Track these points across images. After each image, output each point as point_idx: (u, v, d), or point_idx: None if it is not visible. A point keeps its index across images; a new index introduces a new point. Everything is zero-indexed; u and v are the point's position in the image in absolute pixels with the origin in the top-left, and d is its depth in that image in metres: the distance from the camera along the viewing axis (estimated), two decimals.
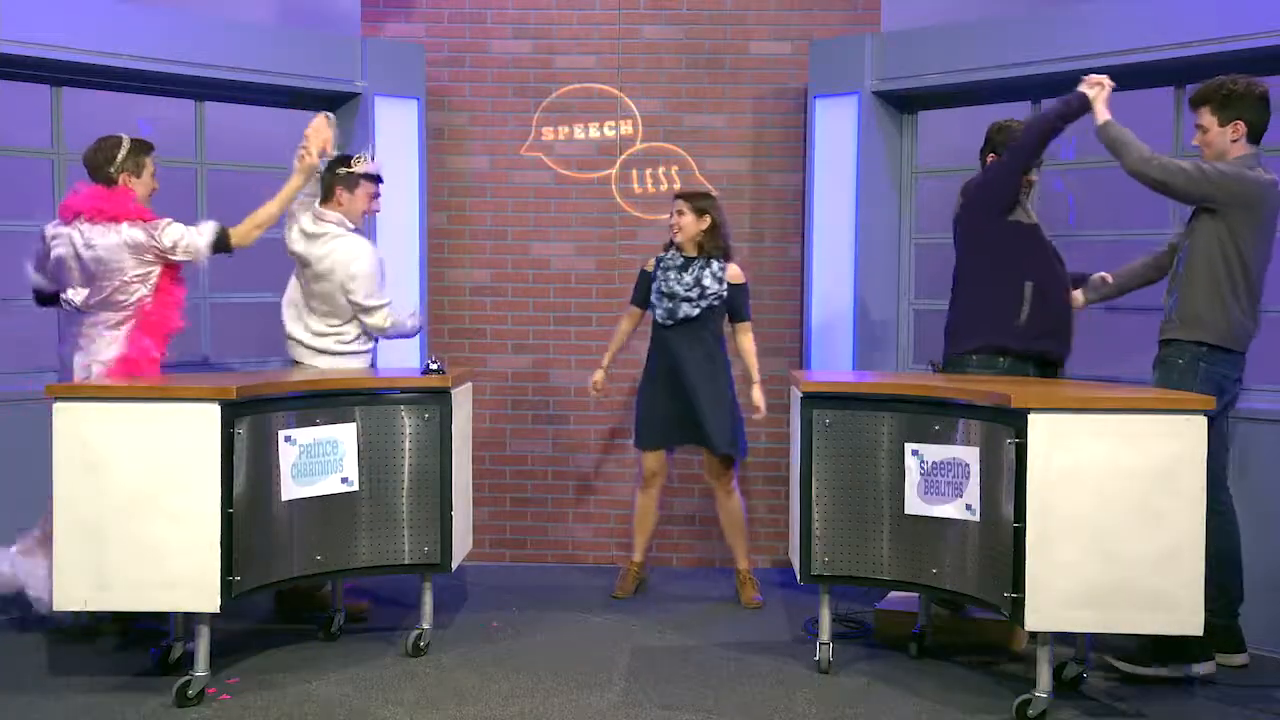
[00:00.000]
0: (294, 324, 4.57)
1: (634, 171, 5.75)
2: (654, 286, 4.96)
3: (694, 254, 4.94)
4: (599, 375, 5.18)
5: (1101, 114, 4.07)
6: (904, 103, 5.42)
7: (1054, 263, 4.29)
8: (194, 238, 4.23)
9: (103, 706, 3.73)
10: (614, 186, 5.75)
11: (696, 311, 4.87)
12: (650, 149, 5.75)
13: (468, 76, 5.76)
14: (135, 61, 4.82)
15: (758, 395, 4.98)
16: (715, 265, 4.92)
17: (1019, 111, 5.15)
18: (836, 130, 5.40)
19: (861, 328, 5.37)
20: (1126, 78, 4.72)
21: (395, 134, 5.45)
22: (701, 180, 5.71)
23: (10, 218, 4.88)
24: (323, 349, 4.54)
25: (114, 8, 4.81)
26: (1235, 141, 3.98)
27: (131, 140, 4.31)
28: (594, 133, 5.75)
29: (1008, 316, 4.23)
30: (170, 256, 4.22)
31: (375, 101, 5.42)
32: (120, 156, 4.27)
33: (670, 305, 4.90)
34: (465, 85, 5.77)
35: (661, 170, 5.75)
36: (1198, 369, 3.95)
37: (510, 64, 5.76)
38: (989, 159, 4.41)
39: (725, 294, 4.91)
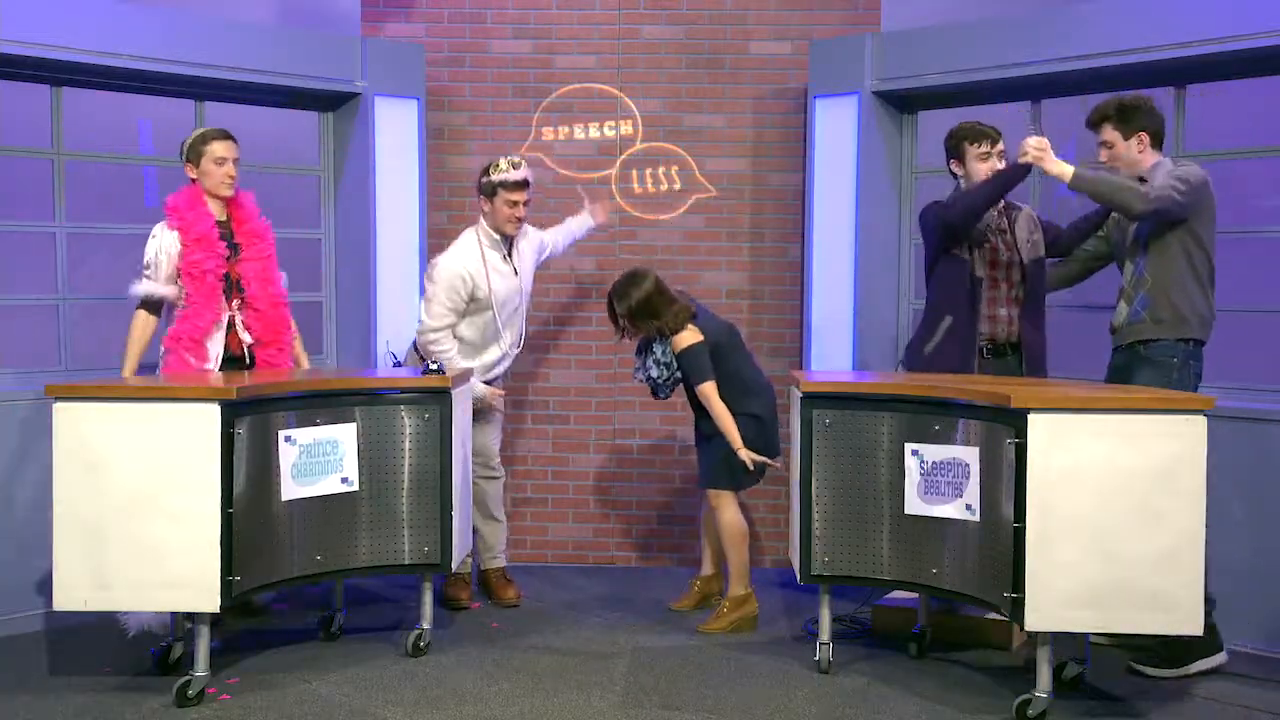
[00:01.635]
0: None
1: (634, 171, 5.75)
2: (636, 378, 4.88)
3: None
4: None
5: (1062, 169, 4.05)
6: (904, 103, 5.42)
7: (975, 303, 4.34)
8: (137, 284, 4.37)
9: (103, 706, 3.73)
10: (614, 186, 5.75)
11: (669, 392, 4.79)
12: (650, 149, 5.75)
13: (468, 76, 5.76)
14: (135, 61, 4.82)
15: (745, 457, 4.53)
16: (658, 350, 4.69)
17: (1019, 111, 5.16)
18: (836, 130, 5.40)
19: (861, 328, 5.37)
20: (1126, 78, 4.74)
21: (395, 134, 5.44)
22: (701, 180, 5.71)
23: (10, 218, 4.87)
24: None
25: (114, 8, 4.81)
26: (1142, 152, 4.10)
27: (205, 130, 4.43)
28: (594, 133, 5.75)
29: (920, 342, 4.47)
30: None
31: (375, 101, 5.41)
32: (185, 144, 4.43)
33: (651, 388, 4.83)
34: (465, 85, 5.77)
35: (661, 170, 5.75)
36: (1189, 367, 4.02)
37: (510, 64, 5.76)
38: (952, 164, 4.49)
39: (678, 371, 4.66)
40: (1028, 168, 4.16)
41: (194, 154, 4.39)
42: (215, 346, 4.35)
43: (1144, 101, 4.12)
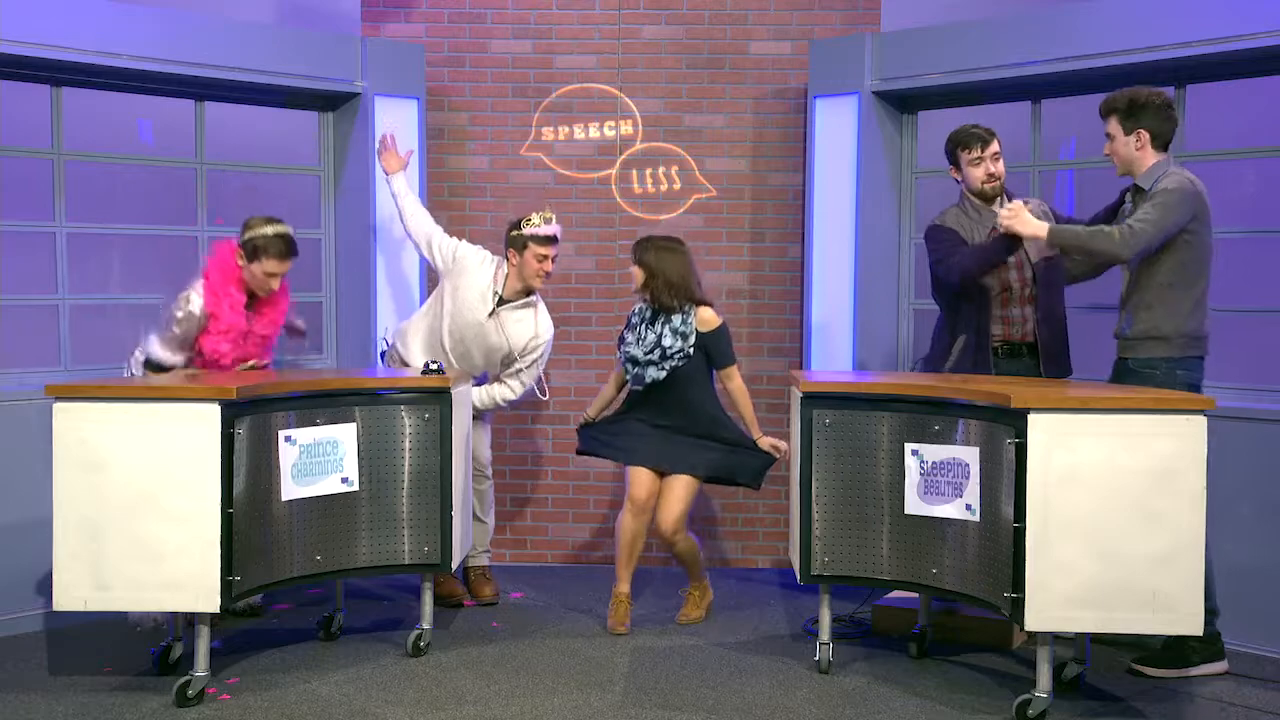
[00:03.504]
0: None
1: (634, 171, 5.75)
2: (623, 347, 4.70)
3: (657, 308, 4.62)
4: (585, 417, 4.91)
5: (1036, 229, 4.05)
6: (904, 103, 5.42)
7: (990, 321, 4.32)
8: (155, 345, 4.36)
9: (103, 706, 3.73)
10: (614, 186, 5.75)
11: (664, 374, 4.56)
12: (650, 149, 5.75)
13: (468, 76, 5.76)
14: (135, 61, 4.82)
15: (767, 444, 4.65)
16: (678, 319, 4.58)
17: (1019, 111, 5.16)
18: (836, 130, 5.40)
19: (861, 328, 5.37)
20: (1126, 78, 4.73)
21: (396, 134, 5.44)
22: (701, 180, 5.71)
23: (10, 218, 4.87)
24: None
25: (114, 8, 4.81)
26: (1140, 150, 4.05)
27: (270, 239, 4.34)
28: (594, 133, 5.75)
29: (939, 359, 4.45)
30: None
31: (375, 101, 5.41)
32: (245, 235, 4.37)
33: (637, 371, 4.61)
34: (465, 85, 5.77)
35: (661, 170, 5.75)
36: (1176, 376, 3.98)
37: (510, 64, 5.76)
38: (950, 171, 4.50)
39: (693, 348, 4.55)
40: (1009, 239, 4.13)
41: (250, 254, 4.33)
42: None
43: (1156, 100, 4.04)
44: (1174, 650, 4.06)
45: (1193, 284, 4.00)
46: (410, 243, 5.11)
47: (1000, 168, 4.38)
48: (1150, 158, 4.05)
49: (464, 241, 4.95)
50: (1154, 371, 4.00)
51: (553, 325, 4.94)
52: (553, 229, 4.73)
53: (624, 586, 4.67)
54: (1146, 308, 4.02)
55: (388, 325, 5.14)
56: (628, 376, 4.69)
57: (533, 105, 5.75)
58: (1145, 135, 4.04)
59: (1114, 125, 4.08)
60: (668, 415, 4.65)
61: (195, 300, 4.32)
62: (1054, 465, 3.47)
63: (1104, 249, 3.95)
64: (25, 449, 4.48)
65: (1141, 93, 4.06)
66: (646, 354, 4.59)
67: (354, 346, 5.51)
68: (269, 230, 4.34)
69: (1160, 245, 3.94)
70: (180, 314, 4.31)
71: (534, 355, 4.86)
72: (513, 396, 4.92)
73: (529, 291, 4.81)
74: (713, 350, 4.62)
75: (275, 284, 4.40)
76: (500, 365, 4.87)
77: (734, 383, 4.69)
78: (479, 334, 4.79)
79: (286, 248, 4.36)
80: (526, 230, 4.72)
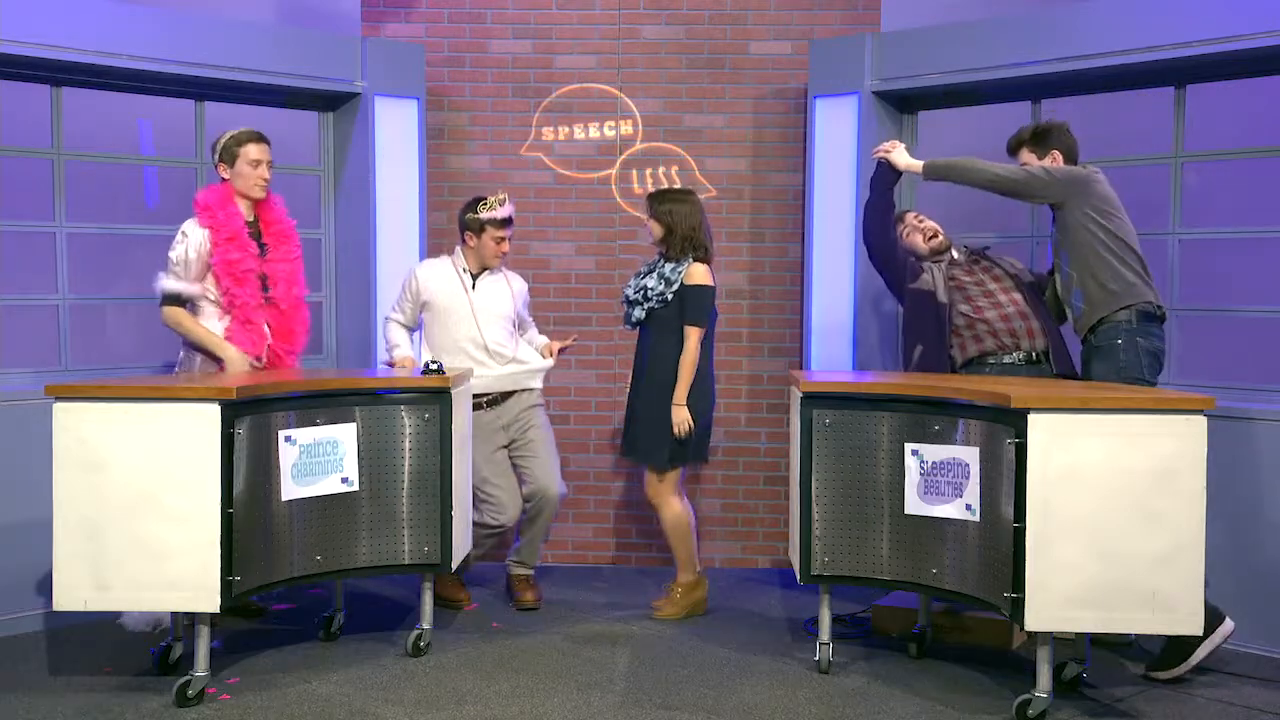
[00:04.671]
0: None
1: (634, 171, 5.75)
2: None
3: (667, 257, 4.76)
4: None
5: (909, 162, 4.37)
6: (904, 103, 5.42)
7: (943, 329, 4.44)
8: (164, 280, 4.36)
9: (103, 706, 3.73)
10: (614, 186, 5.75)
11: (642, 314, 4.68)
12: (650, 149, 5.75)
13: (468, 76, 5.76)
14: (135, 61, 4.82)
15: (680, 419, 4.61)
16: (670, 266, 4.67)
17: (1019, 111, 5.16)
18: (836, 130, 5.40)
19: (861, 328, 5.37)
20: (1126, 78, 4.74)
21: (395, 134, 5.45)
22: (702, 180, 5.71)
23: (10, 218, 4.88)
24: None
25: (114, 8, 4.81)
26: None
27: (240, 131, 4.44)
28: (594, 133, 5.75)
29: (898, 368, 4.68)
30: None
31: (375, 101, 5.42)
32: (218, 145, 4.44)
33: (626, 309, 4.82)
34: (465, 85, 5.77)
35: (661, 170, 5.75)
36: (1136, 345, 4.08)
37: (510, 64, 5.76)
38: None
39: (672, 295, 4.62)
40: (885, 165, 4.43)
41: (228, 155, 4.41)
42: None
43: (1057, 125, 4.36)
44: (1174, 644, 4.06)
45: (1121, 253, 4.12)
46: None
47: (930, 223, 4.64)
48: None
49: (411, 272, 4.97)
50: (1116, 340, 4.10)
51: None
52: (507, 210, 4.84)
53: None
54: (1090, 276, 4.13)
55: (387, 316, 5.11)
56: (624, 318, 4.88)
57: (533, 105, 5.75)
58: (1059, 155, 4.30)
59: (1026, 155, 4.35)
60: (640, 363, 4.78)
61: (189, 223, 4.36)
62: (1054, 465, 3.47)
63: (975, 175, 4.19)
64: (25, 449, 4.48)
65: (1042, 123, 4.42)
66: (634, 294, 4.75)
67: (354, 346, 5.51)
68: (234, 130, 4.46)
69: (1044, 197, 4.18)
70: (178, 239, 4.34)
71: (528, 298, 5.15)
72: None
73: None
74: (685, 304, 4.63)
75: (265, 172, 4.43)
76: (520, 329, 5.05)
77: (688, 344, 4.62)
78: (483, 305, 4.85)
79: (257, 132, 4.46)
80: (483, 214, 4.81)
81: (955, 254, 4.59)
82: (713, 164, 5.73)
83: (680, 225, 4.68)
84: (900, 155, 4.39)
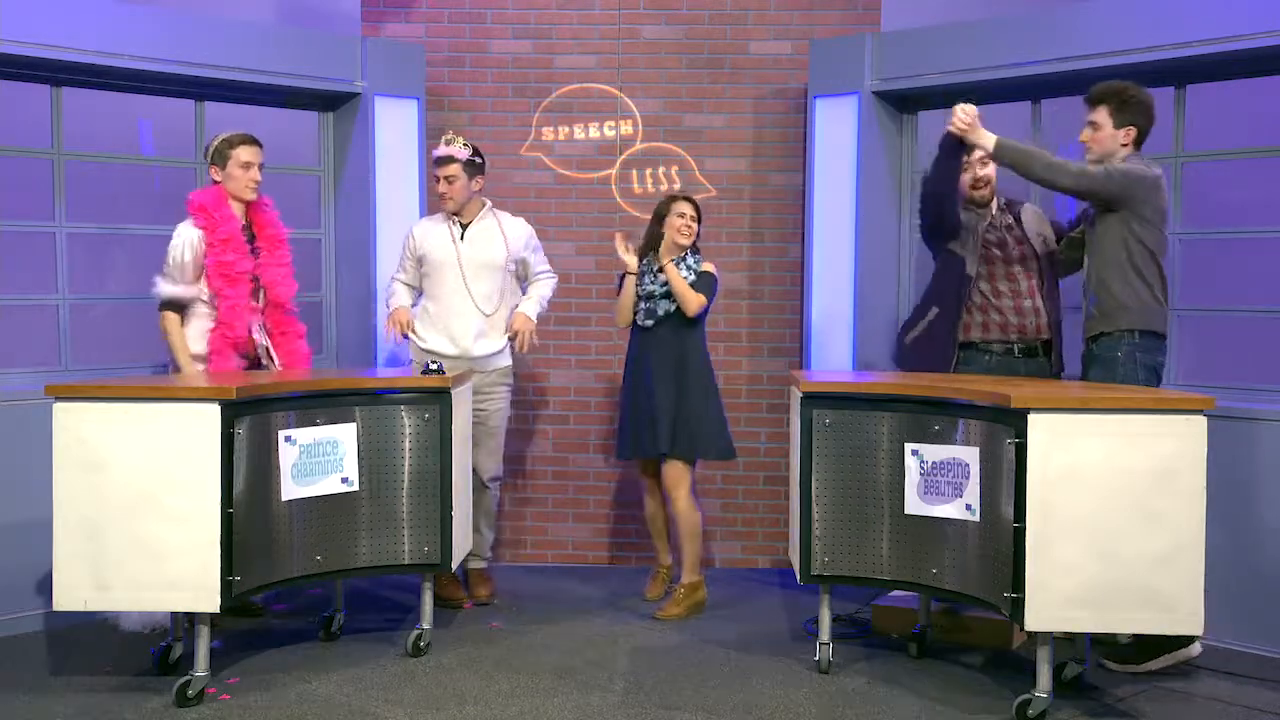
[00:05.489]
0: None
1: (634, 171, 5.75)
2: (638, 290, 4.88)
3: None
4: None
5: (986, 139, 4.15)
6: (904, 103, 5.42)
7: (963, 300, 4.38)
8: (161, 284, 4.40)
9: (103, 706, 3.73)
10: (614, 186, 5.75)
11: (671, 306, 4.79)
12: (650, 149, 5.75)
13: (468, 76, 5.76)
14: (135, 61, 4.82)
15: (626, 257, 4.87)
16: (692, 258, 4.86)
17: (1019, 111, 5.16)
18: (836, 130, 5.40)
19: (861, 328, 5.37)
20: (1126, 78, 4.72)
21: (395, 134, 5.45)
22: (701, 180, 5.71)
23: (10, 218, 4.87)
24: None
25: (114, 8, 4.81)
26: (1125, 145, 4.10)
27: (231, 134, 4.47)
28: (594, 133, 5.75)
29: (906, 328, 4.57)
30: None
31: (375, 101, 5.41)
32: (210, 147, 4.47)
33: (649, 305, 4.84)
34: (465, 85, 5.77)
35: (661, 170, 5.75)
36: (1135, 359, 4.04)
37: (510, 64, 5.76)
38: None
39: (694, 280, 4.82)
40: (957, 139, 4.21)
41: (220, 157, 4.44)
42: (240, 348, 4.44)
43: (1147, 99, 4.11)
44: (1142, 642, 4.06)
45: (1144, 268, 4.05)
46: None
47: (989, 171, 4.41)
48: (1124, 153, 4.10)
49: (410, 229, 5.02)
50: (1115, 354, 4.06)
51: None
52: (440, 149, 4.81)
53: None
54: (1107, 283, 4.07)
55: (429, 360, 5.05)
56: (638, 314, 4.88)
57: (533, 105, 5.75)
58: (1134, 132, 4.09)
59: (1103, 114, 4.11)
60: (663, 362, 4.82)
61: (182, 225, 4.38)
62: (1054, 465, 3.47)
63: (1052, 173, 4.05)
64: (25, 449, 4.48)
65: (1132, 88, 4.11)
66: (661, 289, 4.83)
67: (354, 346, 5.51)
68: (226, 132, 4.49)
69: (1103, 198, 4.03)
70: (173, 244, 4.36)
71: (538, 244, 5.08)
72: (554, 285, 5.12)
73: (458, 210, 4.88)
74: (700, 284, 4.81)
75: (256, 174, 4.44)
76: (521, 278, 5.03)
77: (694, 306, 4.78)
78: (470, 255, 4.85)
79: (249, 135, 4.48)
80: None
81: (994, 210, 4.45)
82: (713, 164, 5.73)
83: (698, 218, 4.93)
84: (976, 132, 4.14)
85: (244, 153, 4.43)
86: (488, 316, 4.86)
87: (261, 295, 4.50)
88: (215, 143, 4.47)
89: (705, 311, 4.83)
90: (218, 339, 4.39)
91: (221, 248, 4.35)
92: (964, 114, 4.17)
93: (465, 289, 4.82)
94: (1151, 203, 4.04)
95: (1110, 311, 4.07)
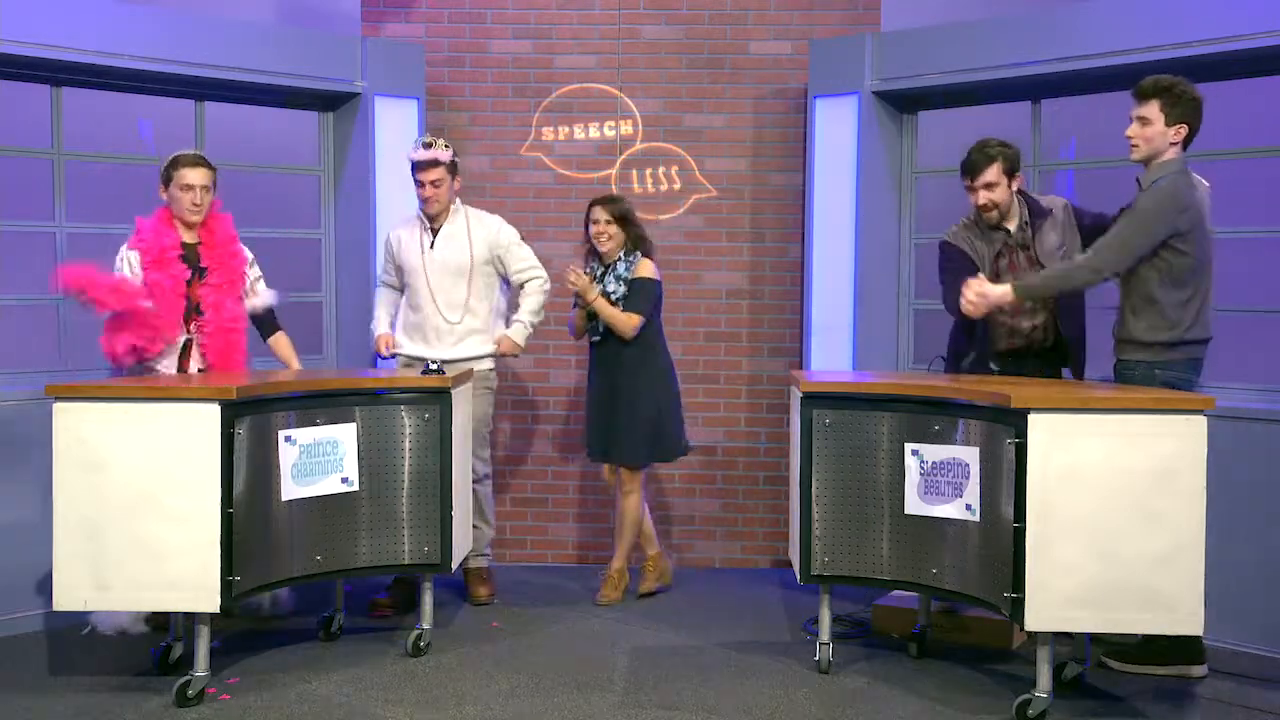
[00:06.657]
0: None
1: (634, 171, 5.75)
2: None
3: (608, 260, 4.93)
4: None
5: (1003, 292, 4.05)
6: (904, 103, 5.42)
7: (989, 329, 4.32)
8: None
9: (103, 706, 3.73)
10: (614, 186, 5.75)
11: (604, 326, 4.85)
12: (650, 149, 5.75)
13: (468, 76, 5.76)
14: (135, 61, 4.82)
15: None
16: (623, 265, 4.86)
17: (1019, 111, 5.16)
18: (836, 130, 5.40)
19: (861, 328, 5.37)
20: (1126, 78, 4.71)
21: (395, 134, 5.44)
22: (701, 180, 5.71)
23: (10, 218, 4.88)
24: None
25: (114, 8, 4.81)
26: (1174, 144, 3.93)
27: (179, 154, 4.42)
28: (594, 133, 5.75)
29: (949, 367, 4.54)
30: None
31: (375, 101, 5.42)
32: (162, 165, 4.43)
33: (596, 321, 4.87)
34: (465, 85, 5.77)
35: (661, 170, 5.75)
36: (1154, 377, 3.94)
37: (510, 64, 5.76)
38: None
39: (625, 292, 4.83)
40: (970, 320, 4.19)
41: (165, 177, 4.40)
42: (168, 368, 4.35)
43: (1199, 97, 3.91)
44: (1149, 646, 4.05)
45: (1180, 289, 3.90)
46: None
47: (994, 195, 4.21)
48: (1173, 153, 3.94)
49: (389, 232, 5.03)
50: (1132, 373, 4.01)
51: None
52: (418, 153, 4.76)
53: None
54: (1132, 312, 4.00)
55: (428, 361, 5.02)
56: (589, 330, 4.95)
57: (533, 105, 5.75)
58: (1184, 130, 3.91)
59: (1155, 110, 3.88)
60: (611, 368, 4.90)
61: (123, 249, 4.37)
62: (1054, 465, 3.47)
63: (1079, 283, 4.01)
64: (25, 449, 4.48)
65: (1184, 83, 3.91)
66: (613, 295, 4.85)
67: (354, 346, 5.51)
68: (177, 152, 4.45)
69: (1146, 254, 3.88)
70: (115, 271, 4.33)
71: (514, 240, 4.91)
72: (545, 288, 4.93)
73: (437, 213, 4.82)
74: (631, 295, 4.83)
75: (199, 197, 4.35)
76: (503, 276, 4.93)
77: (629, 328, 4.81)
78: (437, 260, 4.80)
79: (197, 157, 4.42)
80: (410, 157, 4.83)
81: (1014, 228, 4.29)
82: (713, 164, 5.73)
83: (637, 227, 4.93)
84: (993, 297, 4.04)
85: (187, 175, 4.34)
86: (453, 325, 4.82)
87: (200, 316, 4.38)
88: (165, 161, 4.42)
89: (646, 324, 4.84)
90: (126, 352, 4.26)
91: (152, 268, 4.31)
92: (974, 297, 4.07)
93: (433, 299, 4.81)
94: (1191, 222, 3.86)
95: (1134, 334, 3.99)
